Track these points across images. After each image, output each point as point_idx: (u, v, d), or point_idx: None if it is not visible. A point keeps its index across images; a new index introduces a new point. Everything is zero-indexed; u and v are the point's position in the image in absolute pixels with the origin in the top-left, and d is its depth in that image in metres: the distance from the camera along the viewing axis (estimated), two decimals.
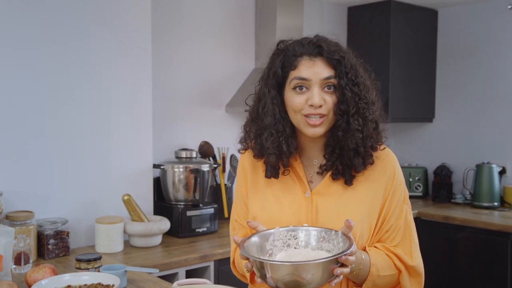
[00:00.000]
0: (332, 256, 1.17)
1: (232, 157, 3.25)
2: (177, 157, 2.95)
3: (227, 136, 3.30)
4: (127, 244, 2.60)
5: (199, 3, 3.26)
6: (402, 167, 4.06)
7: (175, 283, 1.37)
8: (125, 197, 2.55)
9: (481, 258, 3.39)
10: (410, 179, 4.16)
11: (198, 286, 1.35)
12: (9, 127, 2.35)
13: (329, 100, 1.34)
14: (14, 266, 2.05)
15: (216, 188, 3.18)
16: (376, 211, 1.39)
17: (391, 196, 1.41)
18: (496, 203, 3.71)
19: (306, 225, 1.34)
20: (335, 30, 4.09)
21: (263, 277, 1.18)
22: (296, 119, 1.37)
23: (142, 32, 2.74)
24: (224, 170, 3.25)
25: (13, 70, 2.35)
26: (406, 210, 1.44)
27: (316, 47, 1.35)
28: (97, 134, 2.60)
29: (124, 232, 2.56)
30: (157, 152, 2.94)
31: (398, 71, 3.96)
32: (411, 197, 4.05)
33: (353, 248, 1.18)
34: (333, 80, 1.34)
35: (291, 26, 3.44)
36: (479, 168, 3.79)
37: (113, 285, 1.67)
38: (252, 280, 1.43)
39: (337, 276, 1.17)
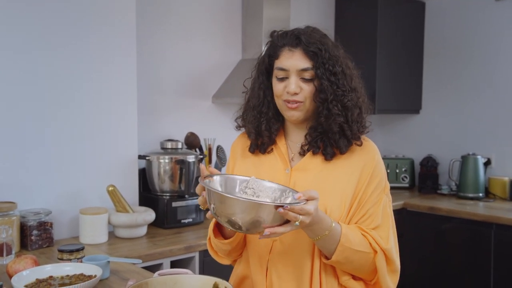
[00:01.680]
0: (266, 202, 1.28)
1: (219, 148, 3.24)
2: (162, 148, 2.94)
3: (213, 127, 3.30)
4: (111, 235, 2.60)
5: None
6: (389, 159, 4.15)
7: (156, 273, 1.37)
8: (110, 188, 2.54)
9: (465, 248, 3.42)
10: (397, 170, 4.19)
11: (179, 276, 1.35)
12: None
13: (306, 88, 1.42)
14: None
15: None
16: (350, 192, 1.44)
17: (368, 181, 1.45)
18: (481, 194, 3.75)
19: (289, 189, 1.37)
20: (322, 22, 4.10)
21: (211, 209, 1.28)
22: (279, 103, 1.48)
23: (126, 23, 2.73)
24: (210, 161, 3.24)
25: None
26: (385, 201, 1.47)
27: (296, 39, 1.43)
28: (81, 125, 2.59)
29: (109, 223, 2.55)
30: (142, 143, 2.94)
31: (385, 62, 3.98)
32: (397, 188, 4.13)
33: (298, 206, 1.21)
34: (310, 71, 1.42)
35: (278, 17, 3.44)
36: (464, 159, 3.82)
37: (95, 276, 1.67)
38: (216, 233, 1.51)
39: (273, 233, 1.22)
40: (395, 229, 1.51)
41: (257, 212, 1.20)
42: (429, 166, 4.08)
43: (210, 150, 3.24)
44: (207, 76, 3.32)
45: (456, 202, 3.65)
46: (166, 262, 2.38)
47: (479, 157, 3.79)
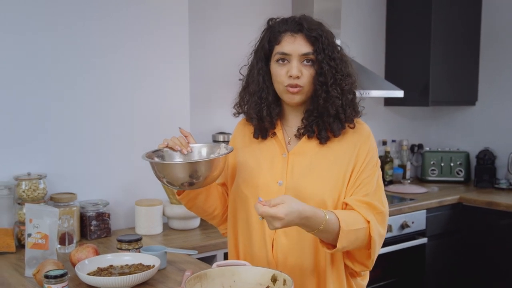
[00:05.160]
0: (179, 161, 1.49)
1: None
2: (214, 141, 2.98)
3: None
4: (166, 226, 2.65)
5: None
6: (443, 152, 4.11)
7: (214, 264, 1.40)
8: None
9: None
10: (451, 164, 4.12)
11: (237, 268, 1.38)
12: (53, 113, 2.41)
13: (307, 72, 1.49)
14: (59, 245, 2.11)
15: None
16: (346, 171, 1.50)
17: (362, 158, 1.52)
18: None
19: None
20: (374, 12, 4.07)
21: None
22: (278, 88, 1.53)
23: (179, 19, 2.76)
24: None
25: (52, 57, 2.40)
26: (378, 173, 1.55)
27: (298, 25, 1.50)
28: (137, 120, 2.65)
29: (163, 214, 2.61)
30: (195, 135, 2.93)
31: (439, 53, 3.90)
32: (452, 182, 4.09)
33: (265, 209, 1.28)
34: (311, 56, 1.48)
35: (329, 9, 3.41)
36: None
37: (153, 266, 1.72)
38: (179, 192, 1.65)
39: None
40: (385, 194, 1.55)
41: (173, 171, 1.43)
42: (486, 159, 3.99)
43: None
44: None
45: None
46: (220, 253, 2.41)
47: None
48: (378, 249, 1.46)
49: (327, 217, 1.35)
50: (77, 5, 2.44)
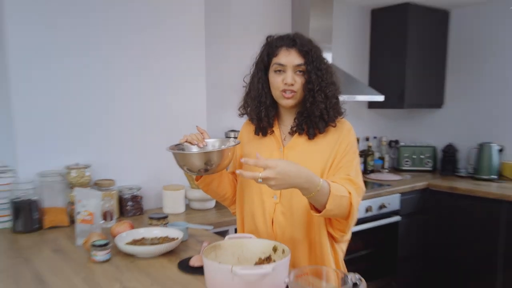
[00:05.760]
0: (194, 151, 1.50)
1: None
2: (226, 137, 2.97)
3: None
4: (187, 207, 2.65)
5: (244, 8, 3.26)
6: (415, 146, 4.15)
7: (226, 237, 1.39)
8: None
9: (480, 221, 3.36)
10: (422, 156, 4.14)
11: (245, 240, 1.39)
12: (97, 115, 2.42)
13: (299, 80, 1.49)
14: (102, 221, 2.13)
15: None
16: (329, 159, 1.50)
17: (345, 145, 1.51)
18: (494, 176, 3.67)
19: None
20: (360, 30, 4.08)
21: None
22: (275, 93, 1.54)
23: (197, 34, 2.76)
24: None
25: (101, 72, 2.42)
26: (357, 160, 1.54)
27: (292, 41, 1.50)
28: (164, 120, 2.65)
29: (185, 197, 2.61)
30: (211, 133, 2.99)
31: (412, 65, 3.91)
32: (422, 171, 4.12)
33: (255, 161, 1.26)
34: (302, 67, 1.48)
35: (322, 27, 3.40)
36: (481, 147, 3.74)
37: (177, 238, 1.75)
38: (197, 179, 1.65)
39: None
40: (361, 175, 1.54)
41: (195, 159, 1.44)
42: (450, 152, 4.01)
43: None
44: None
45: (473, 183, 3.58)
46: (231, 229, 2.42)
47: (494, 145, 3.70)
48: (356, 217, 1.44)
49: (321, 182, 1.32)
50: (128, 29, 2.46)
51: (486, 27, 3.92)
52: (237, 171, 1.28)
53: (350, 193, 1.40)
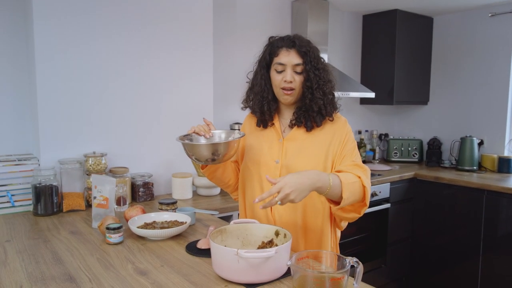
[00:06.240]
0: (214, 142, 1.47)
1: None
2: (231, 129, 2.96)
3: None
4: (194, 193, 2.64)
5: (248, 11, 3.23)
6: (403, 139, 4.09)
7: (231, 222, 1.39)
8: None
9: (462, 209, 3.33)
10: (409, 148, 4.10)
11: (249, 225, 1.37)
12: (112, 108, 2.40)
13: (298, 79, 1.49)
14: (116, 206, 2.13)
15: None
16: (327, 151, 1.49)
17: (341, 139, 1.50)
18: (475, 167, 3.63)
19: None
20: (353, 34, 4.02)
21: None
22: (276, 91, 1.53)
23: (205, 34, 2.73)
24: None
25: (117, 70, 2.38)
26: (357, 150, 1.53)
27: (291, 42, 1.49)
28: (174, 113, 2.63)
29: (193, 184, 2.60)
30: (217, 125, 2.98)
31: (401, 65, 3.86)
32: (409, 162, 4.07)
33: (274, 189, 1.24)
34: (301, 66, 1.47)
35: (319, 30, 3.38)
36: (463, 140, 3.69)
37: (185, 222, 1.73)
38: (202, 167, 1.63)
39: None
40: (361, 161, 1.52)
41: (202, 150, 1.42)
42: (435, 145, 3.97)
43: None
44: None
45: (456, 173, 3.54)
46: (235, 214, 2.41)
47: (474, 138, 3.65)
48: (369, 196, 1.40)
49: (330, 177, 1.30)
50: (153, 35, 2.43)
51: (466, 32, 3.87)
52: (260, 207, 1.27)
53: (359, 177, 1.38)
